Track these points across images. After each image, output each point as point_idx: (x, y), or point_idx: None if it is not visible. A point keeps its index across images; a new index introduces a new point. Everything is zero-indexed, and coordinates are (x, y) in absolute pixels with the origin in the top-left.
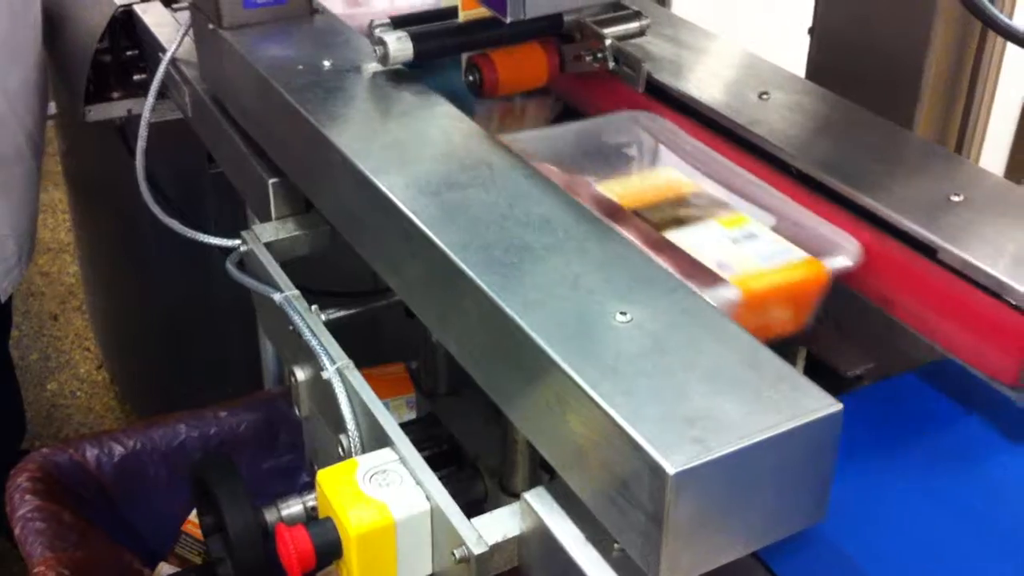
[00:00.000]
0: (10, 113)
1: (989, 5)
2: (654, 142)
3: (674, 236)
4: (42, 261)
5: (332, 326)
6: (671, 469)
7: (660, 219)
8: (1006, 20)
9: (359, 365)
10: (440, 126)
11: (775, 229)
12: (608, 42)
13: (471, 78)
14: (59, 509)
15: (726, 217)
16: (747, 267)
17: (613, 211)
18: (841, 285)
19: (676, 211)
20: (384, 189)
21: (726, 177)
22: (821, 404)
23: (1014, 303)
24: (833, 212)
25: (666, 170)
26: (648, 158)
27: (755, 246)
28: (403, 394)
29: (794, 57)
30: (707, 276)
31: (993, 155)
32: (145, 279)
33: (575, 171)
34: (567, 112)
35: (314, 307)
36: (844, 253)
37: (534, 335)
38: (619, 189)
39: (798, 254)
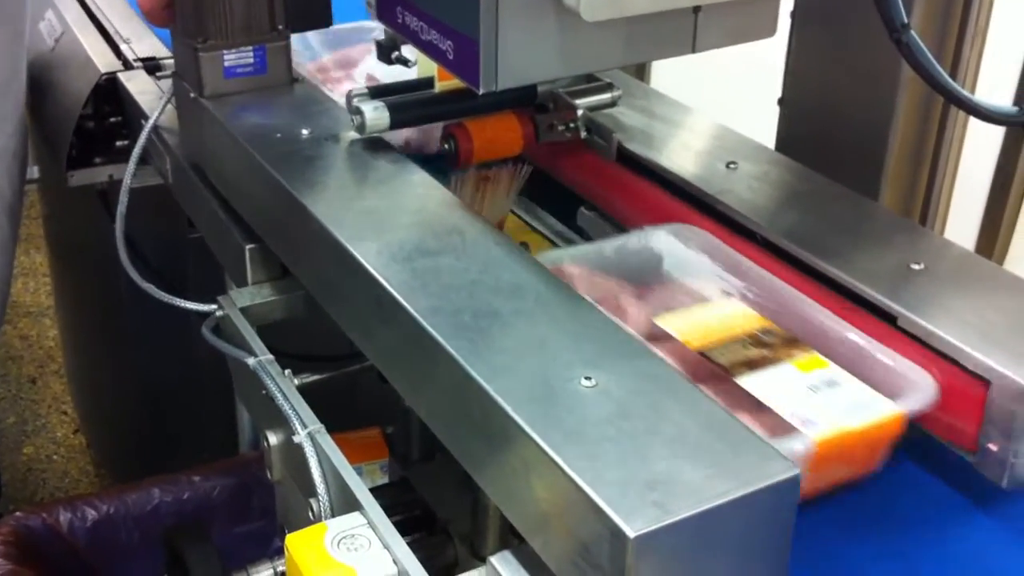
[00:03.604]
0: None
1: (951, 81)
2: (700, 259)
3: (746, 382)
4: (22, 324)
5: (306, 390)
6: (631, 532)
7: (730, 361)
8: (967, 94)
9: (335, 429)
10: (414, 194)
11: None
12: (580, 112)
13: (447, 147)
14: (32, 574)
15: (802, 359)
16: (831, 422)
17: (680, 352)
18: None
19: (746, 351)
20: (357, 256)
21: (781, 300)
22: (780, 468)
23: (970, 369)
24: (799, 280)
25: (730, 302)
26: (695, 278)
27: (836, 396)
28: (377, 459)
29: (766, 127)
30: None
31: (962, 225)
32: (122, 343)
33: (626, 298)
34: (535, 177)
35: (287, 371)
36: (920, 392)
37: (500, 399)
38: (680, 325)
39: (883, 405)
